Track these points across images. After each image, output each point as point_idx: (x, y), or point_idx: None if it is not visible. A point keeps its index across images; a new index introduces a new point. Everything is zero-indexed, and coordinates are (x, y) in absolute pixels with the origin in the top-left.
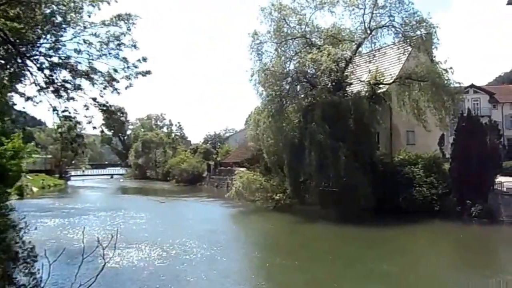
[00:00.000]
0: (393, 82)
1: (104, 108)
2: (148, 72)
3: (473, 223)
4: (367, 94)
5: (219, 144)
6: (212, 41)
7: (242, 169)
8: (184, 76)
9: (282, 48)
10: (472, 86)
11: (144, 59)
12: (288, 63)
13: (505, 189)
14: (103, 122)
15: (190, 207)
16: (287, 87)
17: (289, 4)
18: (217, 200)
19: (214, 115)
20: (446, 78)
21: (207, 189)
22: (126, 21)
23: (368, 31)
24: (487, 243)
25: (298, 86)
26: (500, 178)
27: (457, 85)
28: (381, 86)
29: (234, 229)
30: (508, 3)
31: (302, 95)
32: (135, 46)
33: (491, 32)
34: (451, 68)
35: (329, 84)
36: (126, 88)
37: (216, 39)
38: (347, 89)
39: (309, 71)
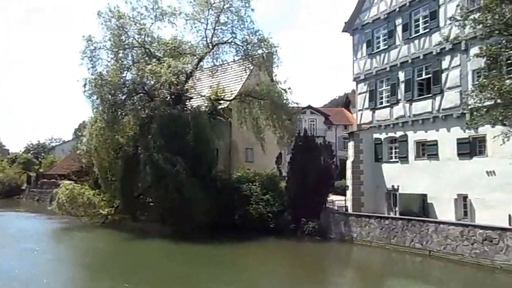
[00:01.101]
0: (233, 98)
1: None
2: None
3: (305, 240)
4: (207, 109)
5: (43, 154)
6: (38, 42)
7: (68, 182)
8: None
9: (120, 57)
10: (309, 107)
11: None
12: (126, 72)
13: (336, 207)
14: None
15: (6, 222)
16: (123, 97)
17: (128, 12)
18: (39, 215)
19: (38, 123)
20: (285, 97)
21: (26, 203)
22: None
23: (210, 46)
24: (316, 259)
25: (136, 97)
26: (332, 197)
27: (296, 105)
28: (222, 102)
29: (58, 247)
30: (343, 31)
31: (140, 107)
32: None
33: (329, 57)
34: (289, 88)
35: (169, 97)
36: None
37: (43, 41)
38: (187, 103)
39: (147, 82)
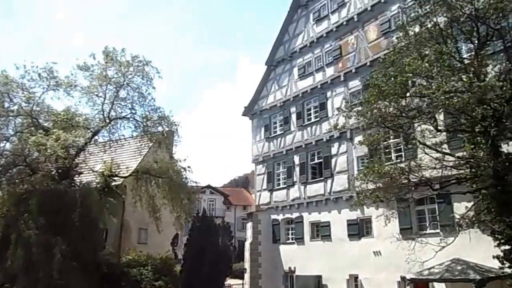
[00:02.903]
0: (129, 175)
1: None
2: None
3: None
4: (99, 186)
5: None
6: None
7: None
8: None
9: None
10: (209, 186)
11: None
12: (5, 142)
13: None
14: None
15: None
16: None
17: (17, 78)
18: None
19: None
20: (185, 176)
21: None
22: None
23: (107, 120)
24: None
25: (14, 170)
26: (229, 281)
27: (195, 184)
28: (116, 178)
29: None
30: (243, 115)
31: (18, 180)
32: None
33: (230, 137)
34: (189, 167)
35: (55, 171)
36: None
37: None
38: (75, 178)
39: (30, 154)
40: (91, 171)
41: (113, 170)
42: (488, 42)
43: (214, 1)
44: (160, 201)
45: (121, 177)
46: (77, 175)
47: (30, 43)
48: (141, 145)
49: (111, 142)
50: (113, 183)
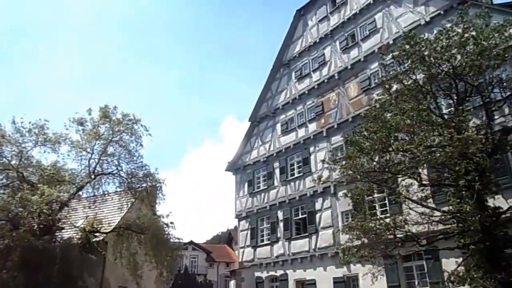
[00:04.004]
0: (111, 231)
1: None
2: None
3: None
4: (80, 242)
5: None
6: None
7: None
8: None
9: None
10: (191, 242)
11: None
12: None
13: None
14: None
15: None
16: None
17: (8, 131)
18: None
19: None
20: (167, 232)
21: None
22: None
23: (93, 176)
24: None
25: None
26: None
27: (177, 240)
28: (97, 234)
29: None
30: (226, 170)
31: None
32: None
33: (213, 192)
34: (172, 222)
35: (36, 227)
36: None
37: None
38: (57, 233)
39: (13, 209)
40: (72, 227)
41: (95, 226)
42: (467, 98)
43: (200, 59)
44: (142, 257)
45: (103, 233)
46: (58, 231)
47: (23, 94)
48: (124, 200)
49: (94, 197)
50: (94, 239)
